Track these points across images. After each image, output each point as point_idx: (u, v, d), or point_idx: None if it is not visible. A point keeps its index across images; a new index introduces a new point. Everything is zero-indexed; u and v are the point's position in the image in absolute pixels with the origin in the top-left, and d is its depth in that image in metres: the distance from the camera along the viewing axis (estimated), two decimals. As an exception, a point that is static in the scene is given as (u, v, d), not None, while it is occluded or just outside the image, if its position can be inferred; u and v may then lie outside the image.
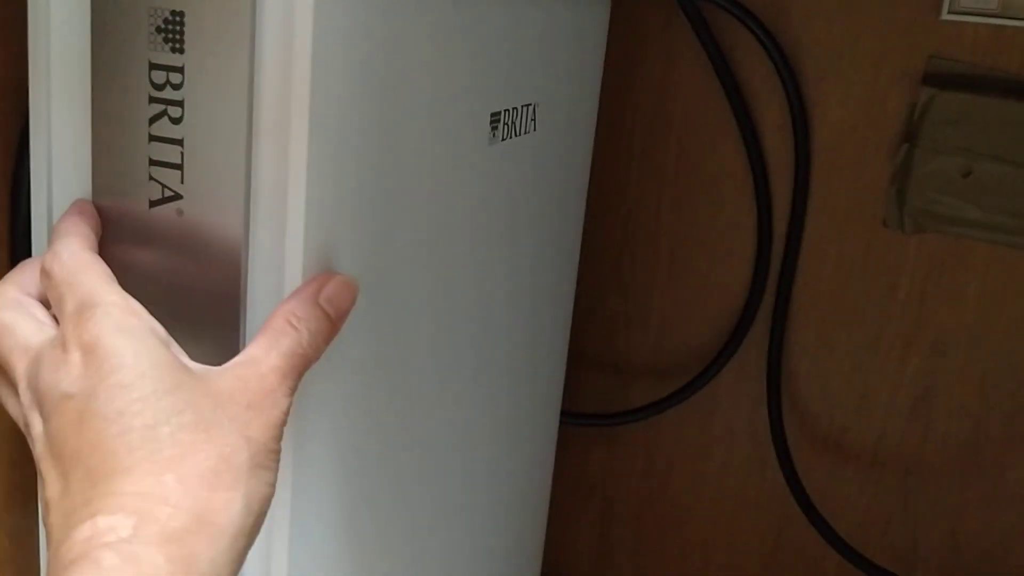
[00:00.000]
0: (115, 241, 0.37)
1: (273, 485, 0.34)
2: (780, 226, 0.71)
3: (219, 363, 0.35)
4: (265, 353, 0.34)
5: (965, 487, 0.72)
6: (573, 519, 0.83)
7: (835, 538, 0.73)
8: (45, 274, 0.35)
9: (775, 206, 0.71)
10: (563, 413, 0.72)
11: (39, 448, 0.33)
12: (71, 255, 0.35)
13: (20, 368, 0.34)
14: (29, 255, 0.40)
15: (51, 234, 0.36)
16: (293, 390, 0.35)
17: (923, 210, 0.67)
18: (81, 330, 0.32)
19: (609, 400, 0.79)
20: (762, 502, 0.77)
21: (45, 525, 0.32)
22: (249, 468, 0.32)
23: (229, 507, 0.32)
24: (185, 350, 0.35)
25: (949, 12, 0.63)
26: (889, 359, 0.71)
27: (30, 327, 0.34)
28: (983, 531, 0.72)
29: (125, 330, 0.33)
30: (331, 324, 0.36)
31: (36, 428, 0.33)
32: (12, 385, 0.35)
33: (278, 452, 0.34)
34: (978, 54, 0.64)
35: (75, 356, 0.32)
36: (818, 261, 0.71)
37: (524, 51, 0.51)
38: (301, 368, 0.35)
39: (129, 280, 0.36)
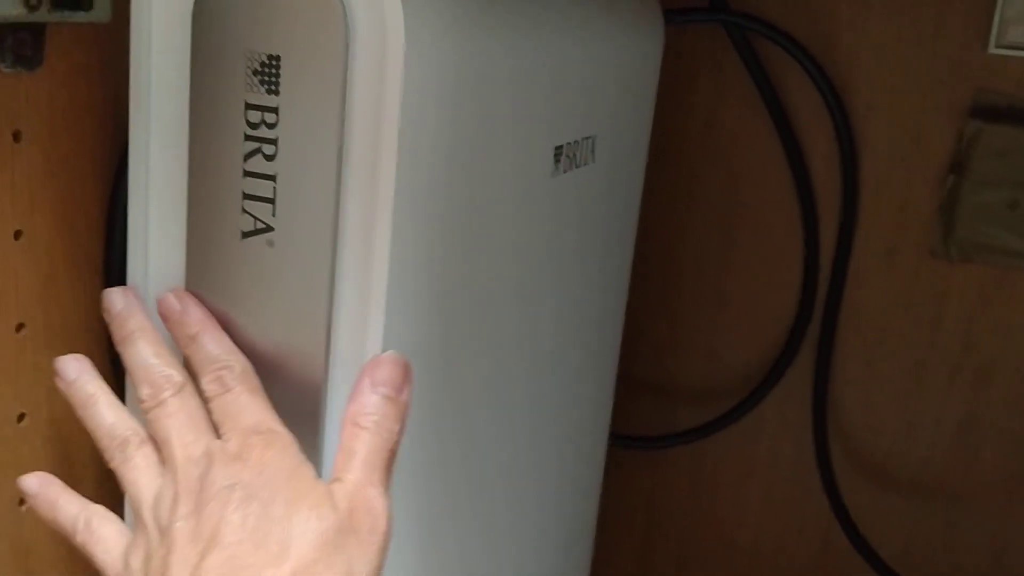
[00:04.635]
0: (207, 268, 0.39)
1: None
2: (827, 254, 0.72)
3: (299, 399, 0.38)
4: (345, 465, 0.37)
5: (1009, 513, 0.72)
6: (618, 540, 0.84)
7: (879, 563, 0.74)
8: (217, 381, 0.38)
9: (822, 234, 0.72)
10: (611, 436, 0.73)
11: (180, 527, 0.36)
12: (245, 371, 0.38)
13: (180, 454, 0.37)
14: (123, 274, 0.42)
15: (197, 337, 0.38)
16: (386, 485, 0.37)
17: (970, 240, 0.68)
18: (255, 448, 0.36)
19: (656, 424, 0.80)
20: (806, 526, 0.78)
21: None
22: None
23: None
24: (267, 377, 0.38)
25: (996, 46, 0.65)
26: (934, 386, 0.72)
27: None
28: (1028, 558, 0.73)
29: (289, 455, 0.37)
30: (395, 404, 0.38)
31: (182, 510, 0.36)
32: (158, 466, 0.38)
33: None
34: (1025, 88, 0.65)
35: (250, 461, 0.36)
36: (864, 289, 0.72)
37: (586, 86, 0.52)
38: (387, 460, 0.37)
39: (218, 306, 0.38)
